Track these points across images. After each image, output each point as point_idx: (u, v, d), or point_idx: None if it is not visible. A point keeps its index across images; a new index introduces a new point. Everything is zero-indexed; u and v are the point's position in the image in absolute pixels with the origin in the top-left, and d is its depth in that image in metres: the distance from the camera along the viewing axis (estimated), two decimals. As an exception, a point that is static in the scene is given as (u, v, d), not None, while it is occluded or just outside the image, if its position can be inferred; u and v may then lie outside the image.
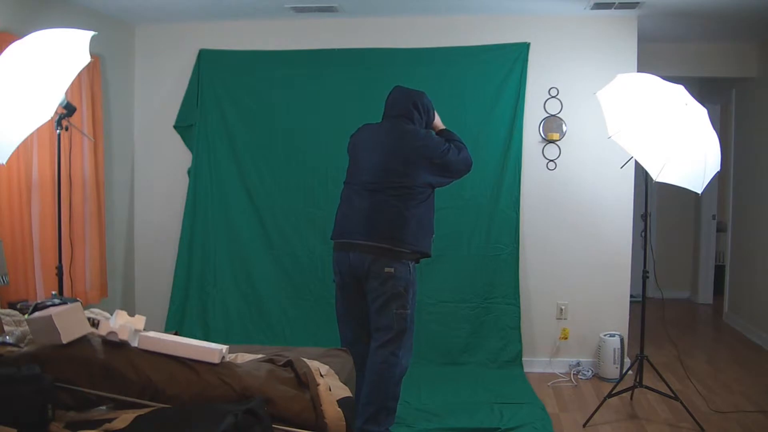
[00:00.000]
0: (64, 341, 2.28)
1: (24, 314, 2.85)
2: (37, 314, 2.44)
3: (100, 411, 2.25)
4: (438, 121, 3.55)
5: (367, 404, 3.22)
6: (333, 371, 2.76)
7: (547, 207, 4.61)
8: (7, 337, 2.53)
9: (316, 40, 4.67)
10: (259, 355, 2.82)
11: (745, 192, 5.84)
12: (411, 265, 3.27)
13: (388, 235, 3.21)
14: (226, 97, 4.72)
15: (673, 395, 3.68)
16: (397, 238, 3.21)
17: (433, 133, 3.51)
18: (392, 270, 3.19)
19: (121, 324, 2.40)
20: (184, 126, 4.82)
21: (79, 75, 3.12)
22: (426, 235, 3.32)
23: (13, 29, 3.56)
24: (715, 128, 3.58)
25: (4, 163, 3.02)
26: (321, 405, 2.38)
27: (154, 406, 2.25)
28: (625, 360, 4.45)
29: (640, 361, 3.77)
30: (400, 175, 3.24)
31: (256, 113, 4.72)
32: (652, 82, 3.57)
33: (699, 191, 3.49)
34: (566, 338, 4.62)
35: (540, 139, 4.60)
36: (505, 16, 4.55)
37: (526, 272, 4.61)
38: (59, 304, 2.68)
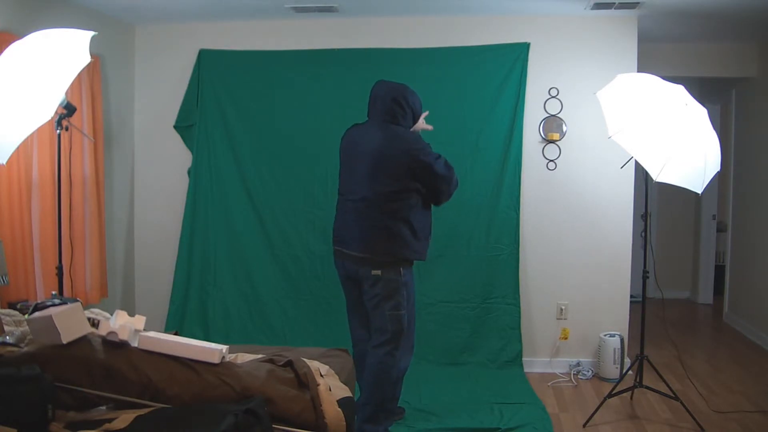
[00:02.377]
0: (64, 341, 2.28)
1: (24, 314, 2.85)
2: (37, 314, 2.44)
3: (100, 411, 2.25)
4: (421, 123, 3.44)
5: (365, 404, 3.23)
6: (333, 371, 2.76)
7: (547, 207, 4.61)
8: (7, 337, 2.53)
9: (316, 40, 4.67)
10: (259, 355, 2.82)
11: (745, 192, 5.84)
12: (401, 270, 3.23)
13: (380, 249, 3.21)
14: (226, 97, 4.72)
15: (673, 395, 3.68)
16: (389, 251, 3.21)
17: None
18: (379, 272, 3.20)
19: (121, 324, 2.41)
20: (184, 126, 4.82)
21: (79, 75, 3.12)
22: (419, 241, 3.26)
23: (13, 29, 3.56)
24: (715, 128, 3.58)
25: (4, 163, 3.02)
26: (321, 405, 2.39)
27: (154, 406, 2.25)
28: (625, 360, 4.45)
29: (640, 361, 3.77)
30: (389, 184, 3.18)
31: (256, 113, 4.71)
32: (652, 82, 3.57)
33: (699, 191, 3.49)
34: (566, 338, 4.62)
35: (540, 139, 4.60)
36: (505, 16, 4.55)
37: (526, 272, 4.61)
38: (59, 304, 2.68)
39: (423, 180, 3.20)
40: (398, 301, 3.22)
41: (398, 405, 3.56)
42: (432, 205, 3.36)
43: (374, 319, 3.28)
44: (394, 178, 3.18)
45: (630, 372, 3.90)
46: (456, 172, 3.33)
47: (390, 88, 3.32)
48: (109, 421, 2.12)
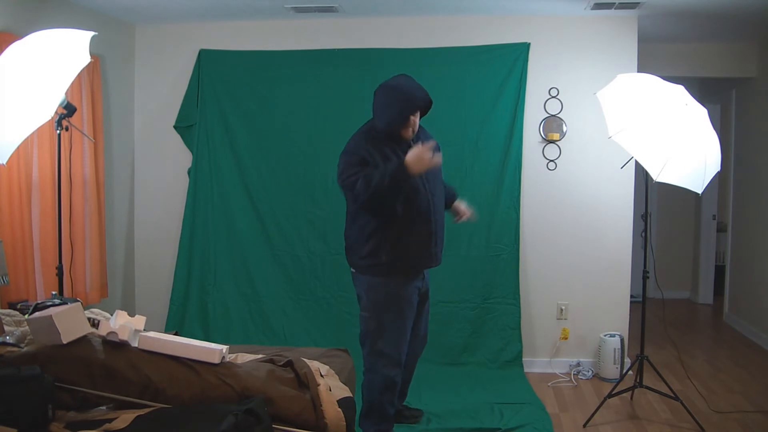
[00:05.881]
0: (64, 341, 2.28)
1: (24, 314, 2.85)
2: (37, 314, 2.45)
3: (100, 411, 2.25)
4: (410, 158, 2.86)
5: (362, 401, 3.26)
6: (333, 371, 2.76)
7: (547, 207, 4.61)
8: (7, 337, 2.53)
9: (316, 40, 4.67)
10: (259, 355, 2.82)
11: (745, 192, 5.84)
12: (366, 276, 3.16)
13: (345, 243, 3.26)
14: (226, 97, 4.72)
15: (673, 395, 3.68)
16: (347, 247, 3.23)
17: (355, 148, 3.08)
18: (354, 271, 3.23)
19: (121, 324, 2.41)
20: (184, 126, 4.82)
21: (79, 75, 3.12)
22: (363, 256, 3.12)
23: (14, 29, 3.56)
24: (715, 128, 3.58)
25: (4, 163, 3.02)
26: (321, 405, 2.38)
27: (154, 406, 2.25)
28: (626, 360, 4.45)
29: (640, 361, 3.77)
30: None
31: (256, 113, 4.71)
32: (652, 82, 3.57)
33: (699, 191, 3.49)
34: (566, 338, 4.62)
35: (540, 139, 4.60)
36: (505, 16, 4.55)
37: (526, 272, 4.61)
38: (59, 304, 2.68)
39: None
40: (364, 302, 3.19)
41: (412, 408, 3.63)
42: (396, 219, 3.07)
43: None
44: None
45: (630, 372, 3.90)
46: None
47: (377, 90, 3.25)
48: (109, 421, 2.12)
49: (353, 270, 3.23)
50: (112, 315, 2.58)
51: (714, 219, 6.89)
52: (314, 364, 2.65)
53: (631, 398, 4.03)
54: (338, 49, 4.63)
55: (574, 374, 4.51)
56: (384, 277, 3.13)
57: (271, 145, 4.70)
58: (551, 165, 4.60)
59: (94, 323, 2.65)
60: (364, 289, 3.18)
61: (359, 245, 3.13)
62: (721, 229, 6.86)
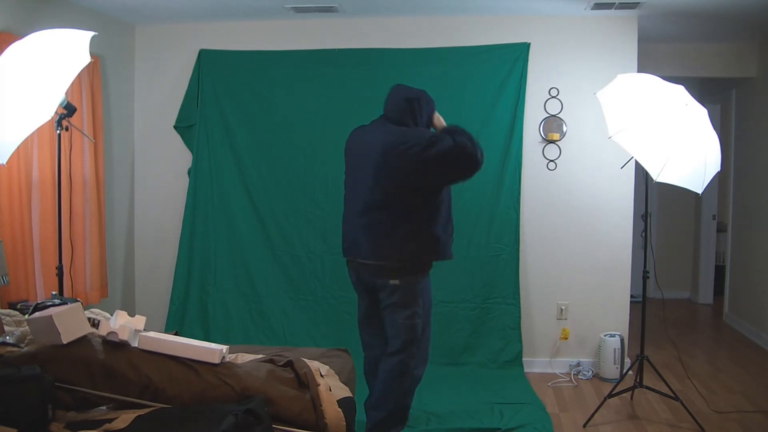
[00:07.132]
0: (64, 341, 2.28)
1: (24, 314, 2.86)
2: (37, 314, 2.45)
3: (101, 411, 2.25)
4: (438, 120, 3.33)
5: (376, 409, 3.20)
6: (333, 371, 2.76)
7: (547, 207, 4.61)
8: (8, 337, 2.53)
9: (316, 41, 4.67)
10: (259, 355, 2.83)
11: (745, 192, 5.84)
12: (419, 277, 3.17)
13: (384, 254, 3.12)
14: (226, 97, 4.73)
15: (673, 395, 3.68)
16: (394, 256, 3.11)
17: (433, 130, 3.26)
18: (397, 282, 3.12)
19: (122, 324, 2.41)
20: (184, 126, 4.82)
21: (79, 75, 3.12)
22: (424, 246, 3.14)
23: (14, 29, 3.56)
24: (715, 128, 3.58)
25: (5, 163, 3.02)
26: (321, 405, 2.39)
27: (154, 406, 2.25)
28: (626, 360, 4.45)
29: (640, 361, 3.77)
30: (388, 186, 3.08)
31: (256, 113, 4.72)
32: (652, 82, 3.57)
33: (699, 191, 3.49)
34: (566, 338, 4.62)
35: (540, 139, 4.60)
36: (505, 16, 4.55)
37: (526, 272, 4.61)
38: (59, 304, 2.68)
39: (430, 164, 3.06)
40: (414, 309, 3.15)
41: None
42: (439, 211, 3.21)
43: (390, 326, 3.20)
44: (401, 178, 3.07)
45: (630, 372, 3.90)
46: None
47: (405, 89, 3.26)
48: (110, 421, 2.12)
49: (396, 281, 3.11)
50: (112, 315, 2.58)
51: (714, 219, 6.90)
52: (314, 364, 2.65)
53: (631, 398, 4.03)
54: (338, 49, 4.63)
55: (574, 374, 4.51)
56: (427, 274, 3.24)
57: (271, 145, 4.70)
58: (551, 165, 4.60)
59: (94, 323, 2.65)
60: (413, 294, 3.14)
61: (415, 243, 3.10)
62: (721, 229, 6.86)
